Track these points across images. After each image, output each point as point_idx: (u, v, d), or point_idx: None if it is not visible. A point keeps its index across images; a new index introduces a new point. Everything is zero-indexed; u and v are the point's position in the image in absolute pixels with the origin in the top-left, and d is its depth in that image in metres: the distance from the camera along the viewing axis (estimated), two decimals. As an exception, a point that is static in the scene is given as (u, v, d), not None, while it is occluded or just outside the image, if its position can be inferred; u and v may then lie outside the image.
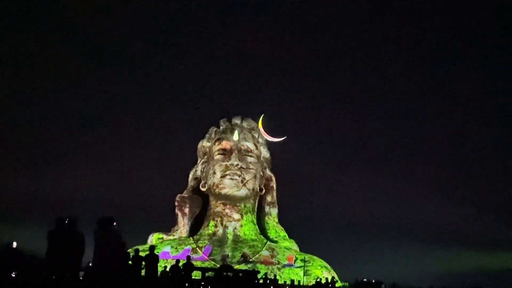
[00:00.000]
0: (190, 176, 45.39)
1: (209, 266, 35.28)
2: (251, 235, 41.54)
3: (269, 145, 46.45)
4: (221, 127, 44.60)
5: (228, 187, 40.36)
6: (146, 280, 18.76)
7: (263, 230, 43.52)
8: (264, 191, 43.82)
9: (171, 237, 41.74)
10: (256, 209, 44.19)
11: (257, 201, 44.26)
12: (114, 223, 13.09)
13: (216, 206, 42.04)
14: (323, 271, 38.87)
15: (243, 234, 41.13)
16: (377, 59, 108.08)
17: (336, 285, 35.61)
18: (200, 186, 43.16)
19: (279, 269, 38.36)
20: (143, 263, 18.92)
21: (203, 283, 27.32)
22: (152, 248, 20.06)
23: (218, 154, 41.73)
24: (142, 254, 20.26)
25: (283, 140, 47.15)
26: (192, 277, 25.38)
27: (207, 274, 30.93)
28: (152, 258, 19.10)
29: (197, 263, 34.34)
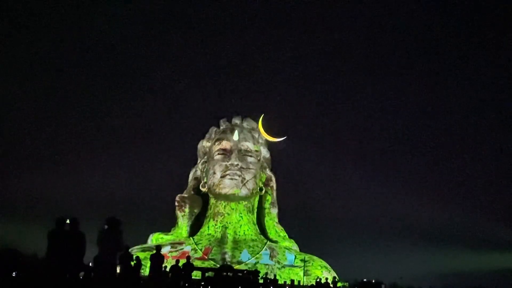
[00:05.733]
0: (190, 176, 45.36)
1: (209, 266, 35.28)
2: (251, 235, 41.48)
3: (269, 145, 46.44)
4: (221, 127, 44.57)
5: (228, 187, 40.30)
6: (150, 279, 18.77)
7: (263, 230, 43.47)
8: (264, 191, 43.79)
9: (171, 237, 41.70)
10: (256, 209, 44.15)
11: (257, 201, 44.22)
12: (119, 224, 13.12)
13: (216, 206, 41.99)
14: (323, 271, 38.81)
15: (243, 234, 41.08)
16: (378, 59, 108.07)
17: (337, 285, 35.61)
18: (200, 186, 43.13)
19: (279, 269, 38.36)
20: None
21: (203, 283, 27.33)
22: (158, 248, 20.02)
23: (218, 154, 41.67)
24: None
25: (283, 140, 47.13)
26: (192, 277, 25.38)
27: (207, 274, 30.96)
28: (158, 258, 19.10)
29: (197, 263, 34.33)
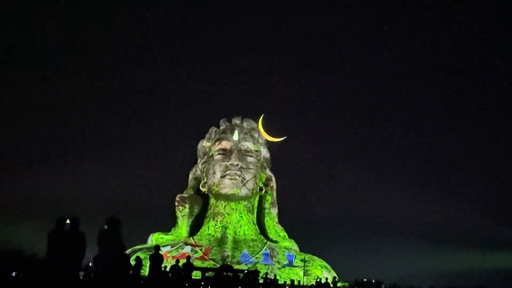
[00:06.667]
0: (190, 176, 45.33)
1: (209, 266, 35.27)
2: (251, 235, 41.49)
3: (269, 145, 46.42)
4: (221, 127, 44.54)
5: (228, 187, 40.29)
6: (150, 279, 18.77)
7: (263, 230, 43.47)
8: (264, 191, 43.78)
9: (171, 237, 41.69)
10: (256, 209, 44.13)
11: (257, 201, 44.20)
12: (119, 224, 13.13)
13: (216, 206, 41.99)
14: (323, 271, 38.82)
15: (243, 234, 41.09)
16: (377, 60, 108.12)
17: (337, 285, 35.60)
18: (200, 186, 43.12)
19: (279, 269, 38.35)
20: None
21: (203, 283, 27.33)
22: (157, 248, 20.00)
23: (218, 154, 41.67)
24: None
25: (283, 140, 47.12)
26: (192, 277, 25.37)
27: (207, 274, 30.96)
28: (157, 258, 19.09)
29: (197, 263, 34.31)
